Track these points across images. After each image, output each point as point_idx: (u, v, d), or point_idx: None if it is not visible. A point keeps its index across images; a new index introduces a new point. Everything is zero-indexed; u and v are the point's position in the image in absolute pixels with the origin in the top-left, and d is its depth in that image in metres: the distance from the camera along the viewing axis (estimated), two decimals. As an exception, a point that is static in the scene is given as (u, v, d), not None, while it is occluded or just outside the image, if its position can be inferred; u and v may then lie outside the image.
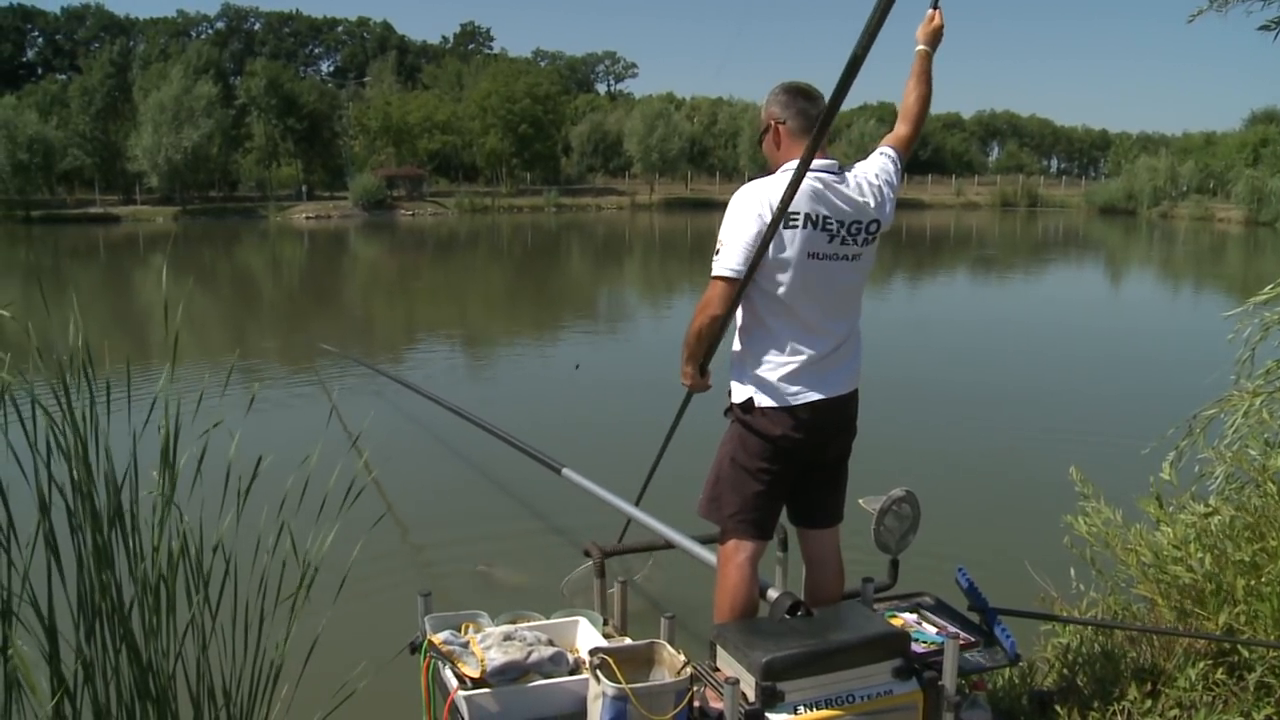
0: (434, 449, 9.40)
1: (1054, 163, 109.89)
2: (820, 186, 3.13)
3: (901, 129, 3.54)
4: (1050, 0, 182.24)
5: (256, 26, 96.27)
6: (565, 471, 5.22)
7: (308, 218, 55.50)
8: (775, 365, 3.20)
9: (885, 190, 3.29)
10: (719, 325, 3.17)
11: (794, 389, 3.18)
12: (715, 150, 78.75)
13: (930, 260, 37.95)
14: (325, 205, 58.60)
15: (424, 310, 22.77)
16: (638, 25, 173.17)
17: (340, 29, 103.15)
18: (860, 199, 3.20)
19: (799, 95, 3.28)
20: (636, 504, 4.53)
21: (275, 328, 19.62)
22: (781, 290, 3.15)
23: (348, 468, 3.42)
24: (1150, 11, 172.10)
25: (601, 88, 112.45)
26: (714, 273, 3.12)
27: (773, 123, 3.29)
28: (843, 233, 3.16)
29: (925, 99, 3.55)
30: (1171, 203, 67.14)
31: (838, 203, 3.15)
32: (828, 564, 3.44)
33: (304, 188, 61.66)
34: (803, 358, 3.18)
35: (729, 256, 3.08)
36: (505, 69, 73.44)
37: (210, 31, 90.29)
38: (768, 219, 3.02)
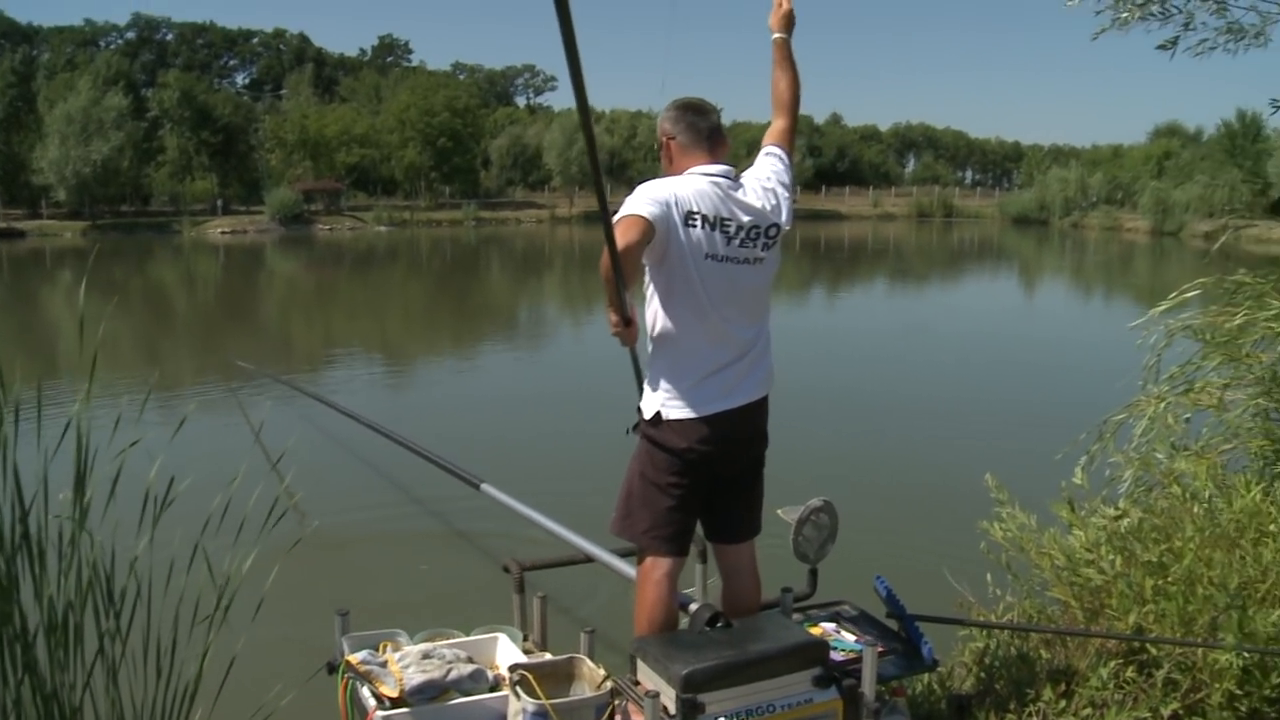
0: (353, 466, 9.28)
1: (968, 174, 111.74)
2: (719, 191, 3.17)
3: (779, 122, 3.56)
4: (965, 15, 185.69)
5: (169, 37, 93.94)
6: (484, 487, 5.17)
7: (223, 233, 54.51)
8: (681, 375, 3.20)
9: (780, 191, 3.33)
10: (630, 255, 2.95)
11: (699, 399, 3.17)
12: (635, 163, 78.88)
13: (848, 270, 38.46)
14: (241, 220, 57.58)
15: (343, 326, 22.51)
16: (558, 38, 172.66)
17: (256, 40, 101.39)
18: (757, 204, 3.23)
19: (687, 110, 3.35)
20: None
21: (190, 345, 19.27)
22: (682, 292, 3.17)
23: (267, 487, 3.36)
24: (1061, 26, 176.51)
25: (521, 101, 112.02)
26: (617, 217, 3.03)
27: (665, 139, 3.36)
28: (741, 235, 3.19)
29: (794, 85, 3.56)
30: (1082, 213, 68.67)
31: (735, 208, 3.19)
32: (743, 577, 3.41)
33: (219, 202, 60.47)
34: (709, 366, 3.18)
35: (632, 204, 3.06)
36: (424, 82, 72.90)
37: (120, 42, 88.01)
38: (671, 203, 3.09)
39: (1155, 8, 5.10)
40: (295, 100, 74.74)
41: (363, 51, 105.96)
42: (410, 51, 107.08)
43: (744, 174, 3.35)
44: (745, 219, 3.20)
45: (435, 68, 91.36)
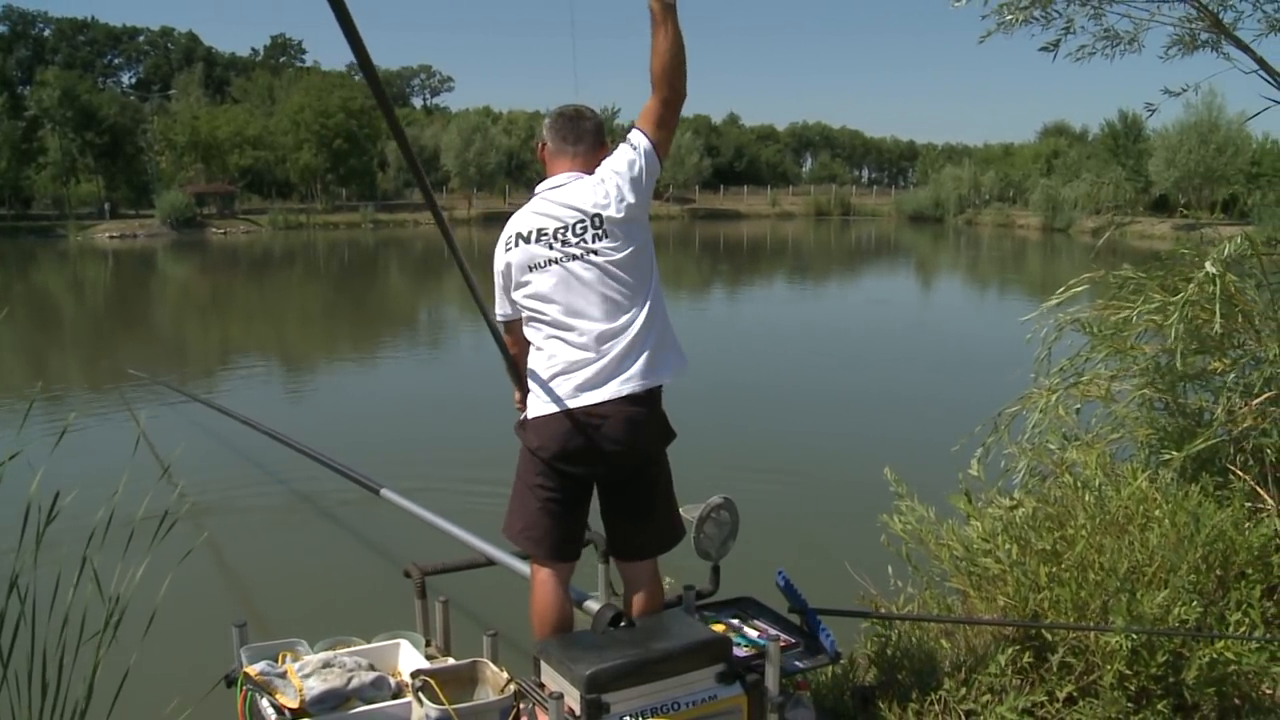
0: (250, 473, 9.10)
1: (865, 173, 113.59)
2: (543, 202, 3.25)
3: (650, 100, 3.25)
4: (858, 16, 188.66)
5: (46, 33, 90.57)
6: (384, 492, 5.11)
7: (111, 237, 52.94)
8: (536, 374, 3.22)
9: (613, 180, 3.21)
10: (511, 361, 3.40)
11: (551, 396, 3.16)
12: (533, 164, 78.43)
13: (747, 268, 38.83)
14: (130, 224, 55.97)
15: (239, 331, 22.06)
16: (454, 39, 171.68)
17: (142, 38, 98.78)
18: (579, 200, 3.20)
19: (559, 117, 3.39)
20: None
21: (79, 354, 18.71)
22: (527, 305, 3.25)
23: (159, 498, 3.27)
24: (951, 27, 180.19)
25: (417, 102, 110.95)
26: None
27: (540, 144, 3.43)
28: (564, 235, 3.18)
29: (664, 54, 3.12)
30: (975, 210, 70.43)
31: (556, 210, 3.22)
32: (638, 592, 3.37)
33: (107, 205, 58.69)
34: (560, 364, 3.16)
35: (496, 305, 3.38)
36: (318, 82, 71.58)
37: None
38: (500, 252, 3.31)
39: (1037, 12, 5.22)
40: (185, 101, 72.85)
41: (254, 51, 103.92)
42: (304, 51, 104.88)
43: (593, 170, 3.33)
44: (569, 217, 3.19)
45: (330, 68, 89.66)
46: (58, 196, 59.81)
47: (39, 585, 2.81)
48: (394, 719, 2.92)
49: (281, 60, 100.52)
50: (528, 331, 3.28)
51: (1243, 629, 3.48)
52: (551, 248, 3.18)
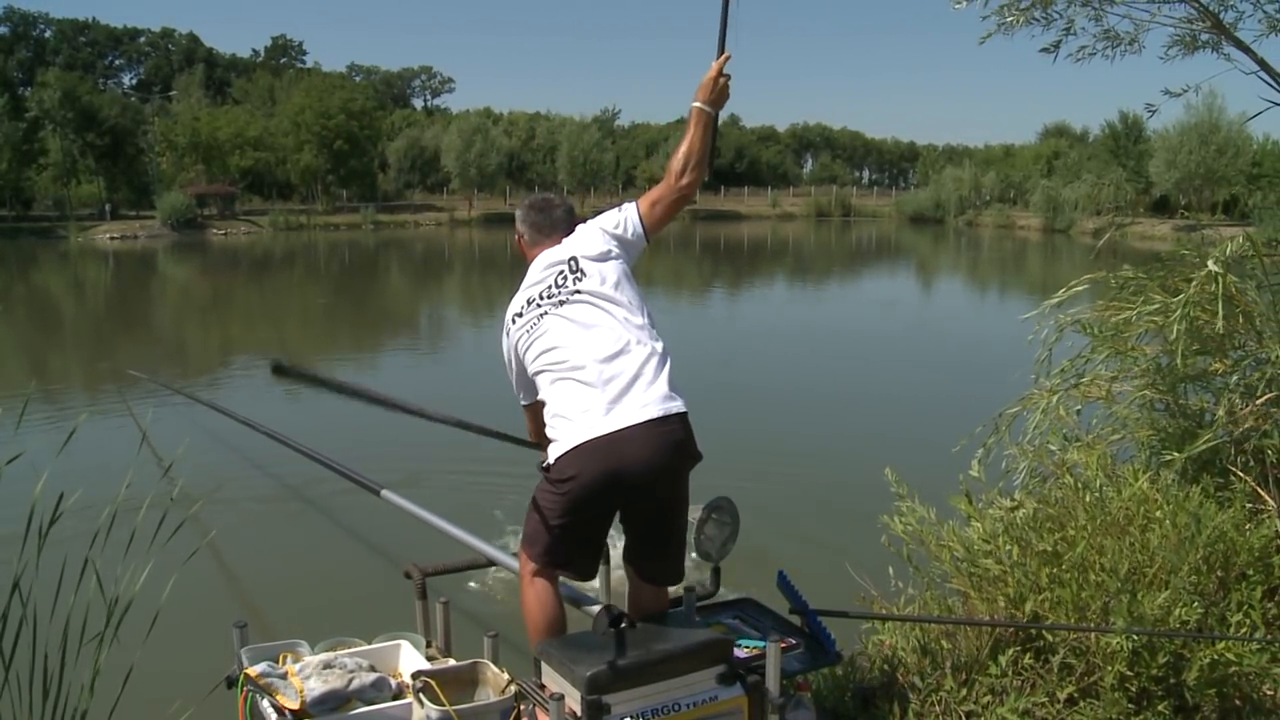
0: (251, 475, 9.11)
1: (865, 174, 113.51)
2: (527, 277, 3.43)
3: (657, 186, 3.48)
4: (860, 17, 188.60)
5: (47, 34, 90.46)
6: (385, 493, 5.11)
7: (112, 238, 52.86)
8: (552, 424, 3.22)
9: (586, 230, 3.46)
10: (533, 439, 3.64)
11: (570, 435, 3.13)
12: (534, 165, 78.63)
13: (748, 269, 38.83)
14: (131, 225, 55.86)
15: (239, 332, 22.06)
16: (454, 39, 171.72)
17: (143, 40, 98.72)
18: (555, 258, 3.40)
19: (532, 209, 3.60)
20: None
21: (80, 354, 18.71)
22: (536, 372, 3.32)
23: (160, 498, 3.27)
24: (951, 28, 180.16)
25: (418, 103, 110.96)
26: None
27: (517, 236, 3.62)
28: (549, 290, 3.34)
29: (686, 150, 3.37)
30: (976, 211, 70.37)
31: (536, 279, 3.40)
32: (644, 600, 3.37)
33: (107, 206, 58.56)
34: (574, 400, 3.16)
35: (517, 394, 3.55)
36: (319, 84, 71.56)
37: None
38: (503, 334, 3.47)
39: (1037, 13, 5.21)
40: (186, 102, 72.79)
41: (255, 52, 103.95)
42: (304, 53, 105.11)
43: None
44: (550, 275, 3.36)
45: (330, 69, 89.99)
46: (58, 198, 59.71)
47: (41, 586, 2.81)
48: (394, 720, 2.92)
49: (282, 61, 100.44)
50: (542, 390, 3.30)
51: (1244, 630, 3.48)
52: (540, 306, 3.31)
